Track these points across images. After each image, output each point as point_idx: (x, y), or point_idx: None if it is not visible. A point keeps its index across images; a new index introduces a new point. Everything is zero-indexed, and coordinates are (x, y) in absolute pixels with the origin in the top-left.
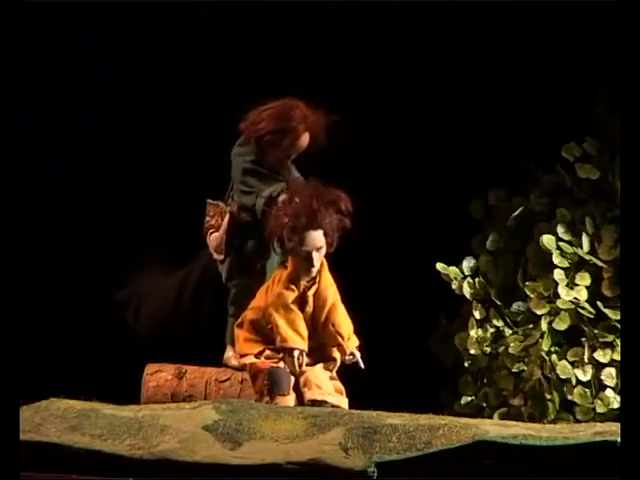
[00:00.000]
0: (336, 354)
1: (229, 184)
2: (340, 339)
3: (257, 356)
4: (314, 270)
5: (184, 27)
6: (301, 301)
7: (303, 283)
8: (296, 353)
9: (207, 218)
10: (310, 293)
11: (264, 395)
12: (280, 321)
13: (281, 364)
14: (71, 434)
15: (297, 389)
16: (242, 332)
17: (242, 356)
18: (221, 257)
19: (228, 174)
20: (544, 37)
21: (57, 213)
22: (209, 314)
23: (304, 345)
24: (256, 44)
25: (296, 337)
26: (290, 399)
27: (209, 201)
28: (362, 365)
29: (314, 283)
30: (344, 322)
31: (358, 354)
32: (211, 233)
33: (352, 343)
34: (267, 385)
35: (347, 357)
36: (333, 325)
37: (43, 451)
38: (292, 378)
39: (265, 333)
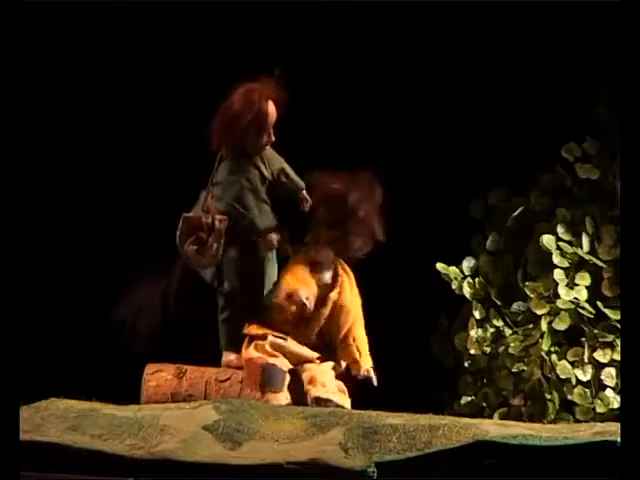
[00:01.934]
0: (343, 363)
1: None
2: (358, 355)
3: (260, 338)
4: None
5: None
6: (319, 298)
7: (322, 277)
8: (303, 293)
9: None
10: (331, 295)
11: (255, 390)
12: (288, 276)
13: (277, 361)
14: (71, 434)
15: (293, 387)
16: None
17: (247, 335)
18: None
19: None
20: (544, 37)
21: (57, 219)
22: (208, 314)
23: (310, 292)
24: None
25: (301, 283)
26: (282, 397)
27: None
28: (375, 383)
29: (334, 286)
30: (364, 339)
31: (372, 372)
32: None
33: (367, 362)
34: (260, 380)
35: (362, 373)
36: (354, 340)
37: (43, 451)
38: (287, 377)
39: (274, 319)
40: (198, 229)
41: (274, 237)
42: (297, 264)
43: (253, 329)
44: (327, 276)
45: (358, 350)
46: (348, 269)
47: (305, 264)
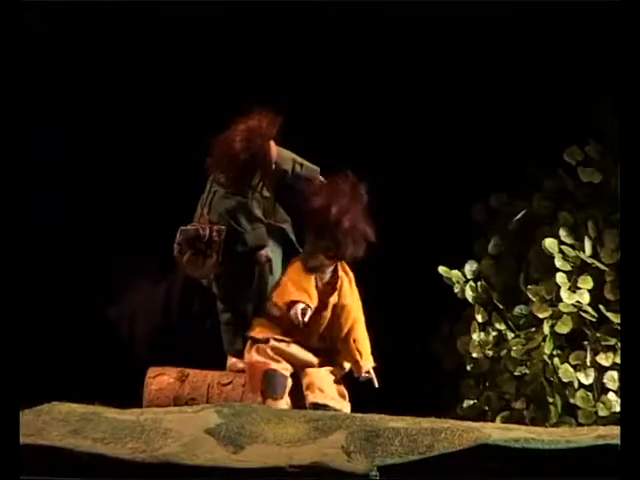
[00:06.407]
0: (346, 365)
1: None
2: (358, 356)
3: (262, 342)
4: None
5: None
6: (320, 304)
7: (322, 277)
8: (300, 307)
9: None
10: (330, 300)
11: (256, 396)
12: (288, 282)
13: (279, 366)
14: (73, 438)
15: (294, 391)
16: (258, 319)
17: (250, 338)
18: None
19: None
20: (546, 41)
21: (58, 220)
22: (212, 317)
23: (309, 301)
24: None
25: (302, 293)
26: (282, 403)
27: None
28: (376, 384)
29: (334, 289)
30: (365, 340)
31: (373, 373)
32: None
33: (368, 363)
34: (261, 387)
35: (363, 374)
36: (355, 341)
37: (45, 455)
38: (289, 382)
39: (278, 322)
40: (196, 240)
41: (263, 255)
42: (298, 268)
43: (256, 332)
44: (327, 277)
45: (359, 351)
46: (348, 269)
47: (305, 268)
